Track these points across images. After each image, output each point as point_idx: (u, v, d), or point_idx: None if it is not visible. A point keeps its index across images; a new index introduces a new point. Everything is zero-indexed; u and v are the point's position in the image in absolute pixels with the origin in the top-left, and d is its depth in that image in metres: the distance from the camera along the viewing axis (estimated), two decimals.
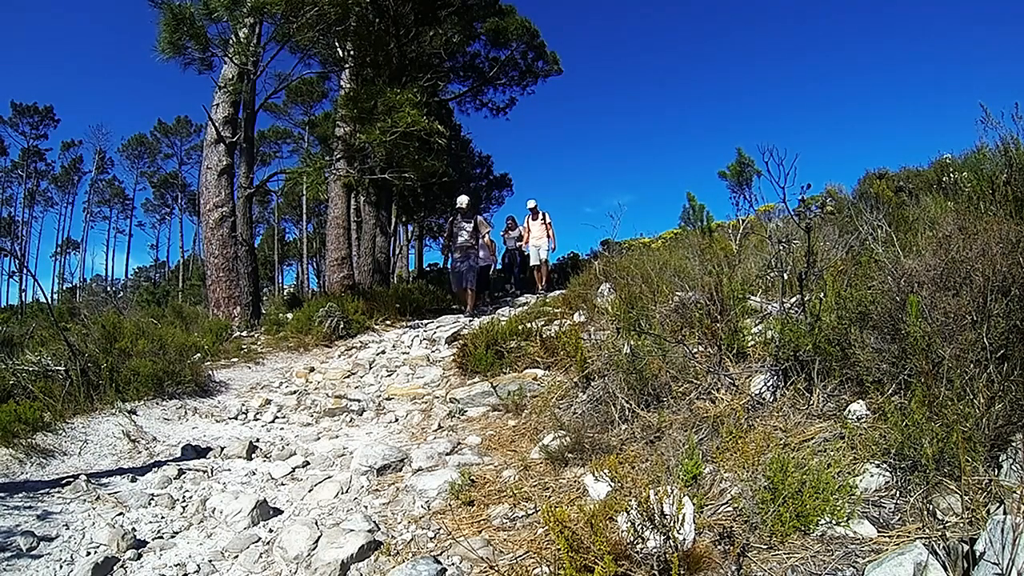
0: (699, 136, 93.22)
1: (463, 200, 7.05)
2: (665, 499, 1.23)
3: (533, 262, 8.91)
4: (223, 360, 4.73)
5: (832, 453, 1.50)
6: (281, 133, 28.56)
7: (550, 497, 1.82)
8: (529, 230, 9.18)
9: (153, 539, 1.79)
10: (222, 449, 2.64)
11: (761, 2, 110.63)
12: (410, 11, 8.62)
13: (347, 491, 2.15)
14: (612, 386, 2.28)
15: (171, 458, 2.50)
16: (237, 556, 1.71)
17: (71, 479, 2.14)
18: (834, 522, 1.28)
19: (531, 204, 9.21)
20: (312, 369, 4.48)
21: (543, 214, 9.07)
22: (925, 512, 1.25)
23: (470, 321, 5.98)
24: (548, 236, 8.89)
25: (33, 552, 1.64)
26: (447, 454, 2.38)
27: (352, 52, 8.02)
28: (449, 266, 7.22)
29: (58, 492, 2.06)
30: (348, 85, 8.30)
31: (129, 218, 38.12)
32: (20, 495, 2.00)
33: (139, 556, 1.68)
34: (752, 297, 2.74)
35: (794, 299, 2.29)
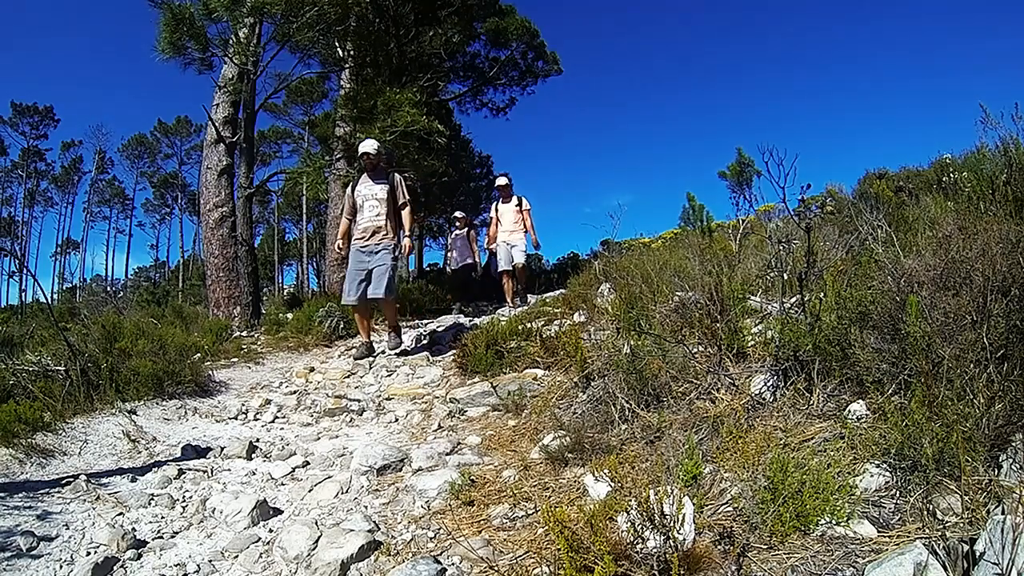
0: (699, 136, 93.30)
1: (370, 146, 4.40)
2: (665, 499, 1.23)
3: (503, 266, 6.44)
4: (223, 360, 4.73)
5: (832, 453, 1.50)
6: (281, 133, 28.63)
7: (550, 497, 1.82)
8: (498, 220, 6.62)
9: (153, 539, 1.79)
10: (222, 449, 2.64)
11: (762, 3, 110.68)
12: (410, 11, 8.62)
13: (347, 491, 2.15)
14: (612, 386, 2.28)
15: (171, 458, 2.49)
16: (237, 556, 1.71)
17: (71, 479, 2.14)
18: (834, 522, 1.28)
19: (501, 181, 6.61)
20: (312, 369, 4.48)
21: (518, 198, 6.56)
22: (925, 512, 1.25)
23: (470, 321, 5.96)
24: (525, 229, 6.47)
25: (33, 552, 1.64)
26: (447, 454, 2.38)
27: (352, 52, 8.02)
28: (350, 262, 4.45)
29: (58, 492, 2.05)
30: (348, 85, 8.30)
31: (129, 218, 38.22)
32: (20, 495, 2.00)
33: (139, 556, 1.68)
34: (752, 297, 2.74)
35: (794, 299, 2.29)
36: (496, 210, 6.71)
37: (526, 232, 6.55)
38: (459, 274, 7.92)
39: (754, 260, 3.37)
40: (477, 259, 7.85)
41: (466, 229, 7.86)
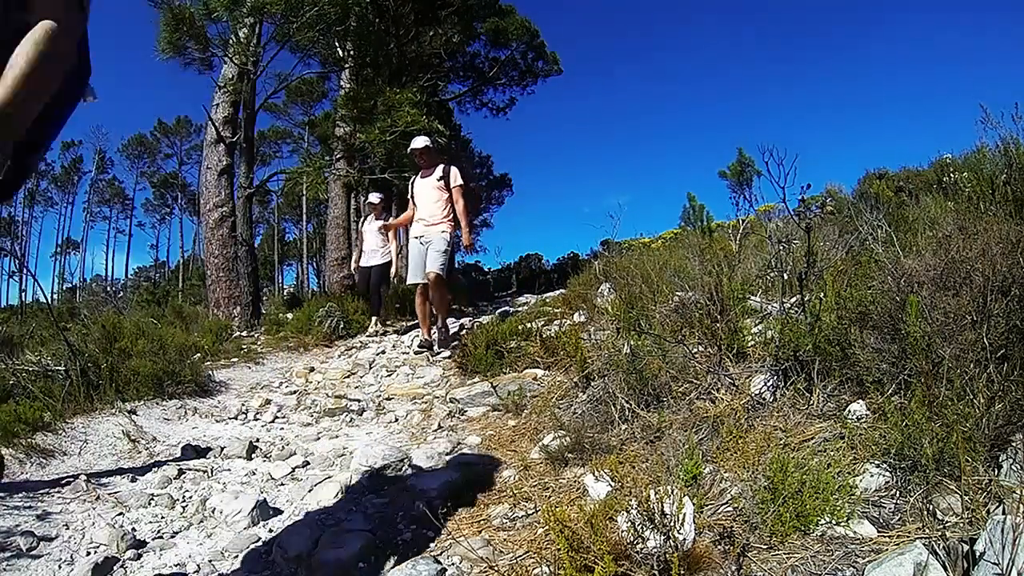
0: (699, 135, 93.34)
1: None
2: (665, 499, 1.23)
3: (412, 277, 4.47)
4: (223, 360, 4.73)
5: (832, 453, 1.50)
6: (281, 133, 28.63)
7: (550, 497, 1.82)
8: (413, 203, 4.54)
9: (153, 539, 1.79)
10: (222, 449, 2.64)
11: (762, 3, 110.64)
12: (410, 11, 8.63)
13: (347, 491, 2.15)
14: (612, 386, 2.28)
15: (171, 458, 2.49)
16: (237, 556, 1.71)
17: (71, 479, 2.14)
18: (834, 522, 1.28)
19: (419, 143, 4.45)
20: (312, 369, 4.48)
21: (443, 168, 4.41)
22: (925, 512, 1.25)
23: (470, 321, 5.95)
24: (447, 218, 4.35)
25: (33, 552, 1.64)
26: (447, 454, 2.38)
27: (352, 52, 8.02)
28: None
29: (58, 492, 2.05)
30: (348, 85, 8.31)
31: (129, 218, 38.31)
32: (20, 495, 1.99)
33: (139, 556, 1.68)
34: (752, 297, 2.74)
35: (794, 299, 2.29)
36: (411, 189, 4.56)
37: (452, 222, 4.35)
38: (364, 276, 6.10)
39: (754, 260, 3.37)
40: (398, 259, 6.03)
41: (384, 217, 6.12)
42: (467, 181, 4.51)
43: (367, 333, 5.96)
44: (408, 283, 4.50)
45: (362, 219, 6.43)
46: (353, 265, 6.28)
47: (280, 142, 30.33)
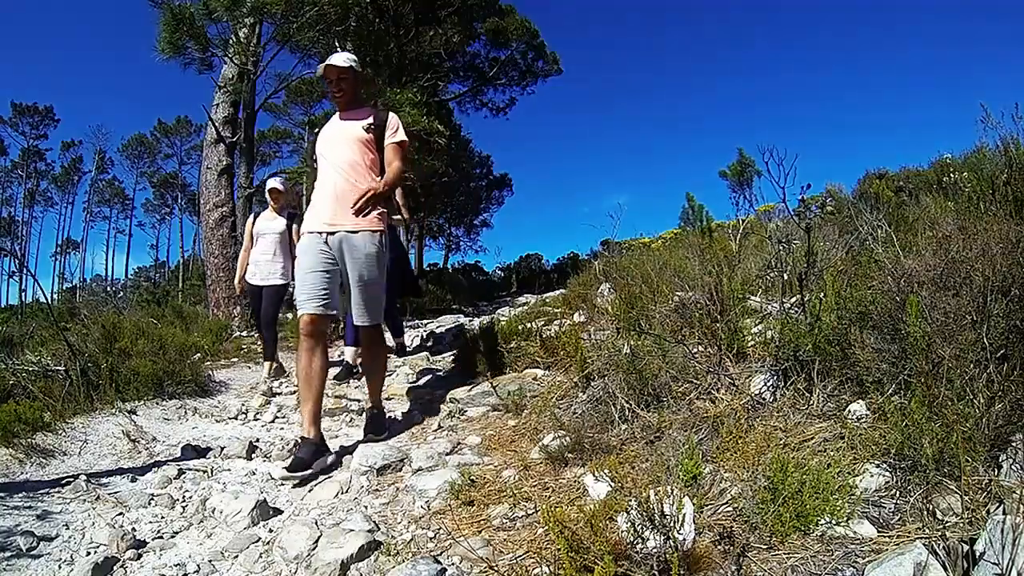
0: (698, 136, 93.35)
1: None
2: (665, 499, 1.23)
3: (307, 305, 2.40)
4: (223, 360, 4.74)
5: (832, 453, 1.50)
6: (281, 133, 28.57)
7: (550, 497, 1.82)
8: (313, 165, 3.38)
9: (153, 539, 1.79)
10: (222, 449, 2.64)
11: (761, 3, 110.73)
12: (410, 11, 8.63)
13: (347, 491, 2.15)
14: (612, 386, 2.28)
15: (171, 458, 2.50)
16: (237, 556, 1.71)
17: (71, 479, 2.14)
18: (834, 522, 1.28)
19: (339, 60, 2.53)
20: None
21: (375, 111, 2.63)
22: (925, 512, 1.25)
23: (470, 321, 5.94)
24: (381, 196, 2.43)
25: (33, 552, 1.64)
26: (447, 454, 2.38)
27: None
28: None
29: (58, 492, 2.05)
30: None
31: (129, 218, 38.36)
32: (20, 495, 2.00)
33: (139, 556, 1.68)
34: (752, 297, 2.74)
35: (794, 299, 2.29)
36: (316, 145, 2.71)
37: (380, 205, 2.54)
38: (254, 297, 4.26)
39: (754, 260, 3.37)
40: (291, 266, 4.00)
41: (288, 215, 4.23)
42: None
43: (259, 391, 3.86)
44: (300, 312, 2.49)
45: (253, 215, 4.31)
46: (237, 280, 4.31)
47: (280, 142, 30.29)
